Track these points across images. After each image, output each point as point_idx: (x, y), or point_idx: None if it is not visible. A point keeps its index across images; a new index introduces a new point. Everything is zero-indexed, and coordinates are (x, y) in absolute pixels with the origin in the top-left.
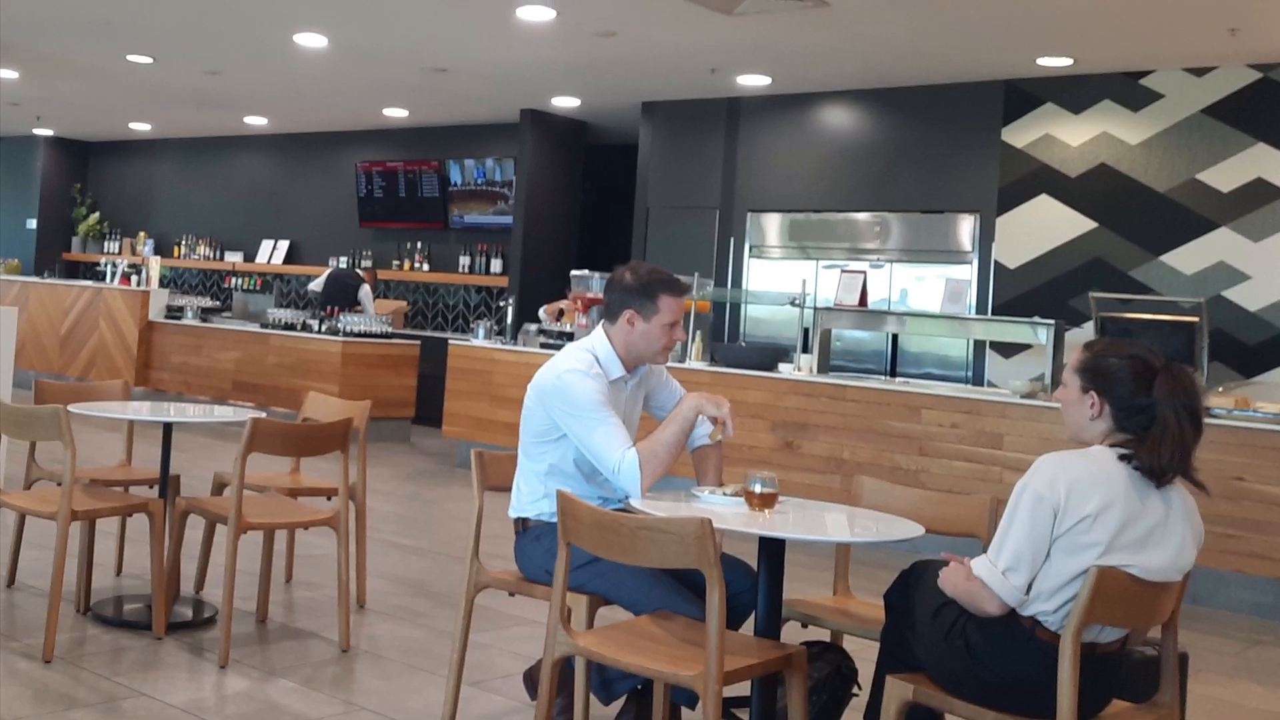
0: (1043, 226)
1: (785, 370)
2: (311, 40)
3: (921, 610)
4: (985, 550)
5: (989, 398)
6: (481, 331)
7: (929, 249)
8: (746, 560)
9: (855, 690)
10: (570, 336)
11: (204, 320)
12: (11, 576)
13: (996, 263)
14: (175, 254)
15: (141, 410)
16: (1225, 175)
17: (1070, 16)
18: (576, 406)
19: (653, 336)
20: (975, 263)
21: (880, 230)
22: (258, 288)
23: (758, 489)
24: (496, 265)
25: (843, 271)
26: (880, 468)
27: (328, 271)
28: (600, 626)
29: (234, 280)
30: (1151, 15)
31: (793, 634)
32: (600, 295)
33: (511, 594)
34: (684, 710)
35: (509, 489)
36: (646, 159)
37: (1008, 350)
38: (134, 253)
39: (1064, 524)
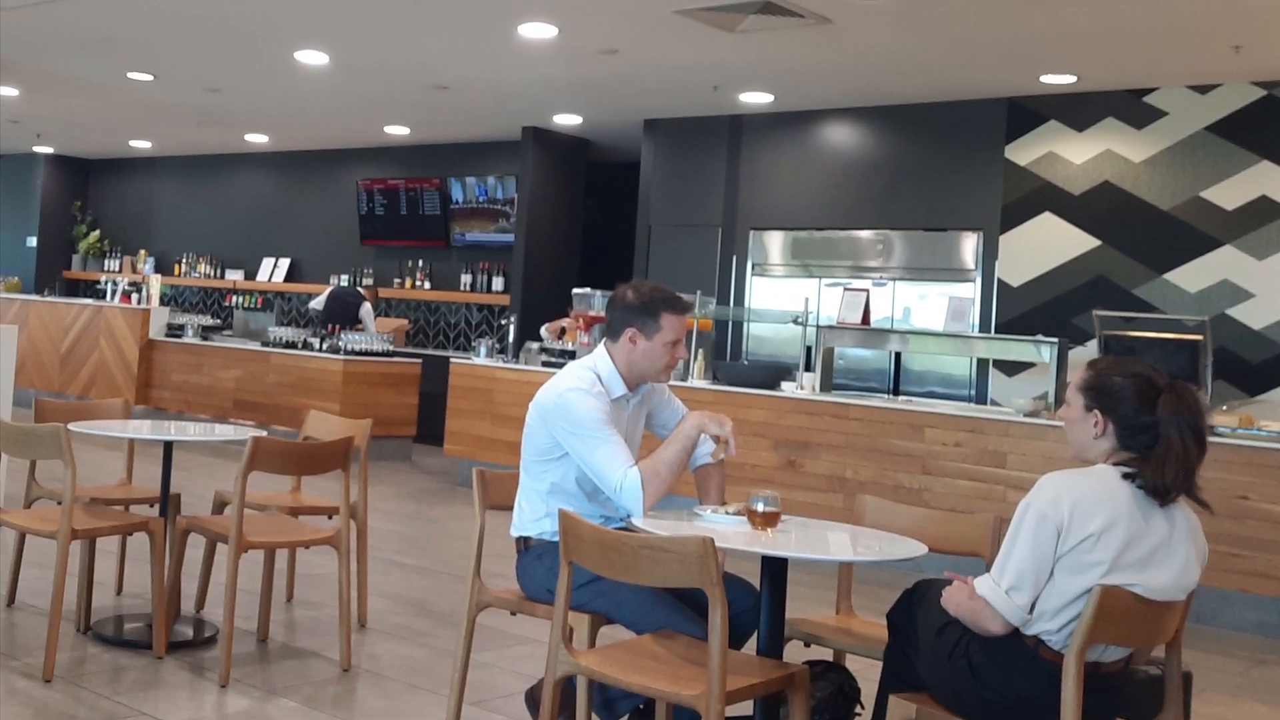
0: (1046, 244)
1: (788, 389)
2: (312, 58)
3: (924, 629)
4: (988, 569)
5: (992, 416)
6: (483, 350)
7: (932, 267)
8: (749, 579)
9: (858, 710)
10: (572, 355)
11: (205, 338)
12: (11, 595)
13: (1000, 280)
14: (176, 272)
15: (142, 429)
16: (1229, 193)
17: (1074, 34)
18: (578, 425)
19: (655, 355)
20: (978, 281)
21: (883, 248)
22: (259, 306)
23: (760, 508)
24: (498, 283)
25: (845, 289)
26: (883, 486)
27: (329, 289)
28: (602, 646)
29: (235, 298)
30: (1155, 33)
31: (795, 653)
32: (602, 313)
33: (513, 613)
34: None
35: (510, 508)
36: (648, 177)
37: (1011, 369)
38: (134, 271)
39: (1067, 543)
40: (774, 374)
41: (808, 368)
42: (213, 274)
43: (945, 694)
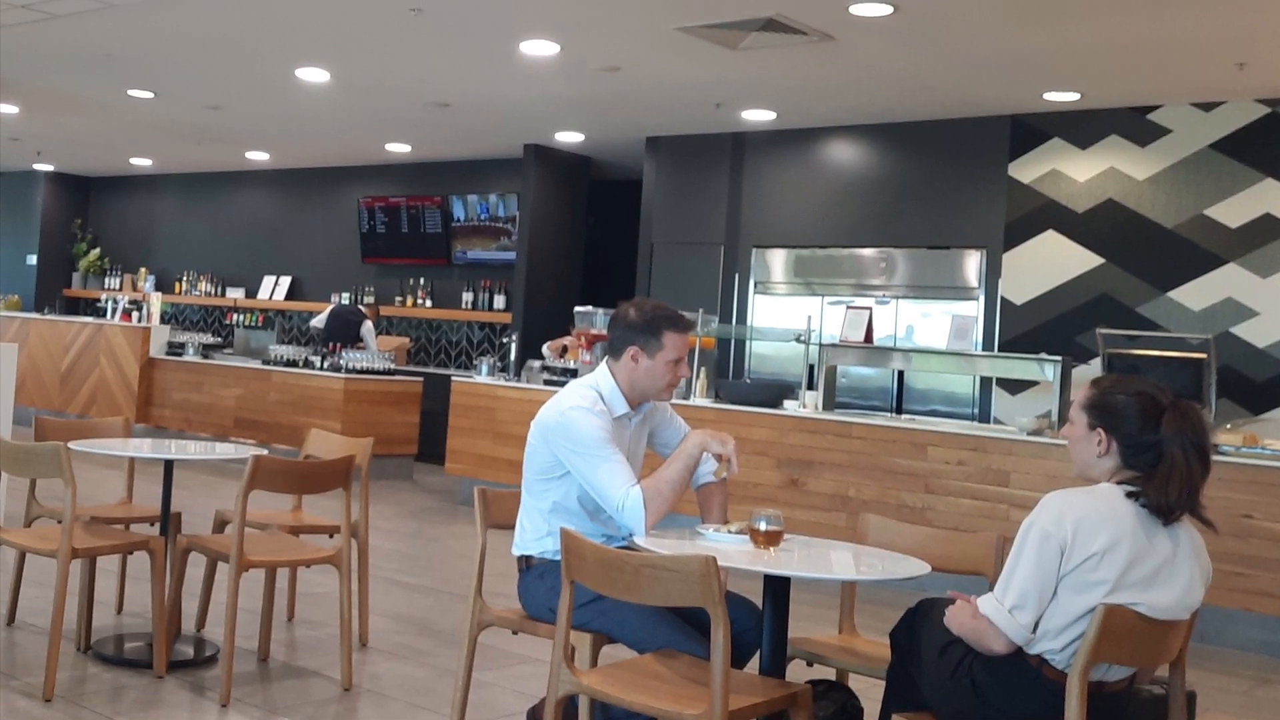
0: (1050, 262)
1: (790, 407)
2: (313, 75)
3: (927, 648)
4: (991, 588)
5: (995, 435)
6: (485, 368)
7: (935, 285)
8: (751, 598)
9: None
10: (574, 373)
11: (205, 357)
12: (12, 615)
13: (1003, 299)
14: (176, 290)
15: (142, 447)
16: (1233, 211)
17: (1077, 51)
18: (580, 444)
19: (657, 373)
20: (982, 299)
21: (886, 266)
22: (259, 324)
23: (763, 526)
24: (500, 301)
25: (848, 308)
26: (886, 505)
27: (330, 308)
28: (604, 665)
29: (236, 316)
30: (1159, 50)
31: (798, 673)
32: (604, 331)
33: (515, 632)
34: None
35: (512, 526)
36: (651, 194)
37: (1014, 387)
38: (135, 289)
39: (1071, 562)
40: (776, 392)
41: (810, 386)
42: (213, 292)
43: (948, 713)
